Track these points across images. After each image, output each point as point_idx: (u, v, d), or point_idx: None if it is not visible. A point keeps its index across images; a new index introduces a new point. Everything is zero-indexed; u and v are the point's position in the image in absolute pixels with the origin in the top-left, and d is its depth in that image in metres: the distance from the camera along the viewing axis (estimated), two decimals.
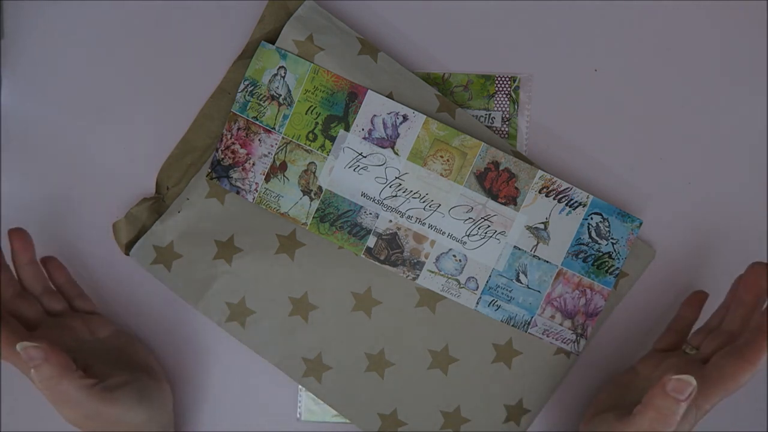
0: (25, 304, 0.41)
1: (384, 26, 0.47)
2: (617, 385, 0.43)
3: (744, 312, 0.40)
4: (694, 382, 0.35)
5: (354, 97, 0.44)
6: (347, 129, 0.44)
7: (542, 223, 0.44)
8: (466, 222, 0.44)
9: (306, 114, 0.44)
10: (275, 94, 0.44)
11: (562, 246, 0.44)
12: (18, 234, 0.41)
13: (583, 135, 0.47)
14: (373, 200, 0.44)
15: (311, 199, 0.45)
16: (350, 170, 0.44)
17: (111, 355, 0.42)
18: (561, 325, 0.45)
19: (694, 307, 0.44)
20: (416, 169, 0.44)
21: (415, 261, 0.45)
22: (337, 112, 0.44)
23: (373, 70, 0.44)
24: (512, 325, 0.45)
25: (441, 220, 0.44)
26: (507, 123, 0.46)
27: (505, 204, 0.44)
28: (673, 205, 0.47)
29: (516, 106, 0.46)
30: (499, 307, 0.45)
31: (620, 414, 0.39)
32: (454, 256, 0.44)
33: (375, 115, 0.44)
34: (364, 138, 0.44)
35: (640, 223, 0.45)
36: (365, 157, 0.44)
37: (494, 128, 0.46)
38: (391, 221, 0.44)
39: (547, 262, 0.44)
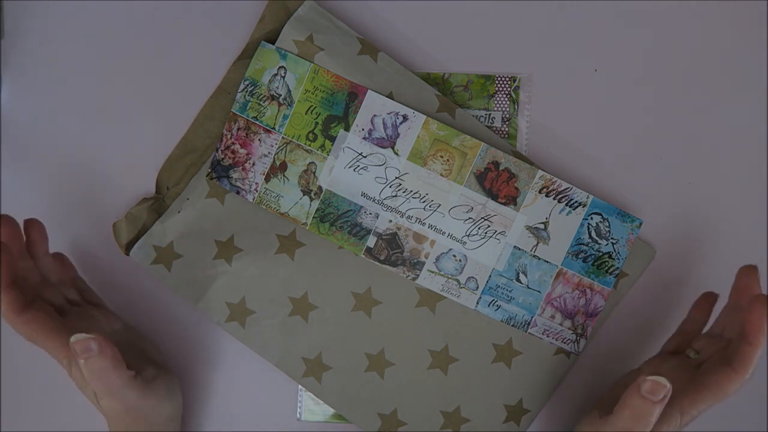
0: (50, 292, 0.41)
1: (384, 26, 0.47)
2: (620, 385, 0.43)
3: (741, 317, 0.39)
4: (668, 384, 0.35)
5: (354, 97, 0.44)
6: (347, 129, 0.44)
7: (542, 223, 0.44)
8: (466, 222, 0.44)
9: (306, 114, 0.44)
10: (275, 94, 0.44)
11: (562, 246, 0.44)
12: (35, 225, 0.41)
13: (583, 135, 0.47)
14: (373, 200, 0.44)
15: (311, 199, 0.45)
16: (350, 170, 0.44)
17: (128, 349, 0.42)
18: (561, 325, 0.45)
19: (703, 309, 0.43)
20: (416, 169, 0.44)
21: (415, 261, 0.45)
22: (337, 112, 0.44)
23: (373, 70, 0.44)
24: (512, 325, 0.45)
25: (441, 220, 0.44)
26: (507, 123, 0.46)
27: (505, 204, 0.44)
28: (673, 205, 0.47)
29: (516, 106, 0.46)
30: (499, 307, 0.45)
31: (603, 412, 0.39)
32: (454, 256, 0.44)
33: (375, 115, 0.44)
34: (364, 138, 0.44)
35: (640, 223, 0.45)
36: (365, 157, 0.44)
37: (494, 128, 0.46)
38: (391, 221, 0.44)
39: (547, 262, 0.44)
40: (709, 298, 0.43)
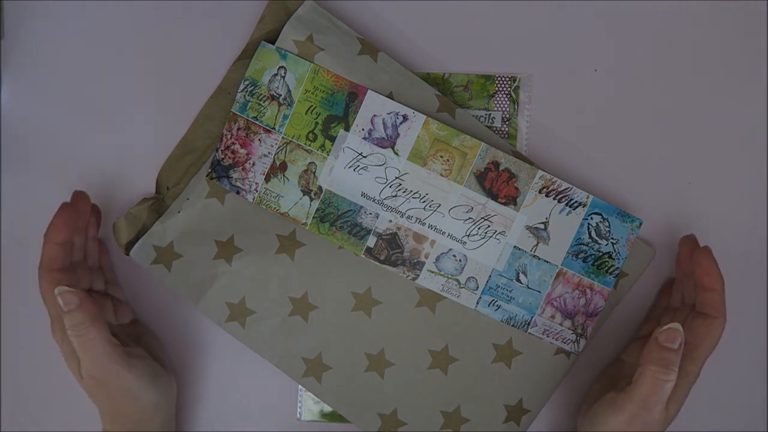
0: (82, 274, 0.43)
1: (384, 26, 0.47)
2: (606, 377, 0.45)
3: (693, 275, 0.42)
4: (680, 328, 0.38)
5: (354, 97, 0.44)
6: (347, 129, 0.44)
7: (542, 223, 0.44)
8: (466, 222, 0.44)
9: (306, 114, 0.44)
10: (275, 94, 0.44)
11: (562, 246, 0.44)
12: (95, 210, 0.45)
13: (583, 135, 0.47)
14: (373, 200, 0.44)
15: (311, 199, 0.45)
16: (350, 170, 0.44)
17: (127, 337, 0.44)
18: (561, 325, 0.45)
19: (668, 293, 0.46)
20: (416, 169, 0.44)
21: (415, 261, 0.45)
22: (337, 112, 0.44)
23: (373, 70, 0.44)
24: (512, 325, 0.45)
25: (441, 220, 0.44)
26: (507, 123, 0.46)
27: (505, 204, 0.44)
28: (673, 205, 0.47)
29: (516, 106, 0.46)
30: (499, 307, 0.45)
31: (619, 389, 0.40)
32: (454, 256, 0.44)
33: (375, 115, 0.44)
34: (364, 138, 0.44)
35: (640, 223, 0.45)
36: (365, 157, 0.44)
37: (494, 128, 0.46)
38: (391, 221, 0.44)
39: (547, 262, 0.44)
40: (673, 283, 0.46)
